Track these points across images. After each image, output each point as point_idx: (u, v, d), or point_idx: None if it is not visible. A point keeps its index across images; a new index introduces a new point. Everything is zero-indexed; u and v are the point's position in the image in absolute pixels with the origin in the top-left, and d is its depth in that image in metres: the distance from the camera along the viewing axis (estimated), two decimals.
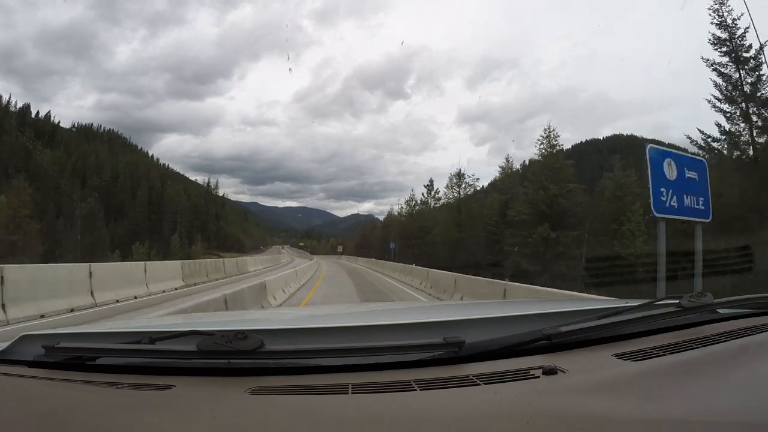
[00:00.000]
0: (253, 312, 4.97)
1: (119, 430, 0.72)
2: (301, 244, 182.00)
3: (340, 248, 76.96)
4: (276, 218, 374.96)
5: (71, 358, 0.97)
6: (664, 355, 0.96)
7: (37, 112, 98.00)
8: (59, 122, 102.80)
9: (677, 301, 1.16)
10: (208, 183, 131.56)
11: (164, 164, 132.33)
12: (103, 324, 2.95)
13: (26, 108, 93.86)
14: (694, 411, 0.73)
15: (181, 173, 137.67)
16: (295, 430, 0.71)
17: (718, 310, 1.23)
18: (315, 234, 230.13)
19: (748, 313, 1.28)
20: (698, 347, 1.02)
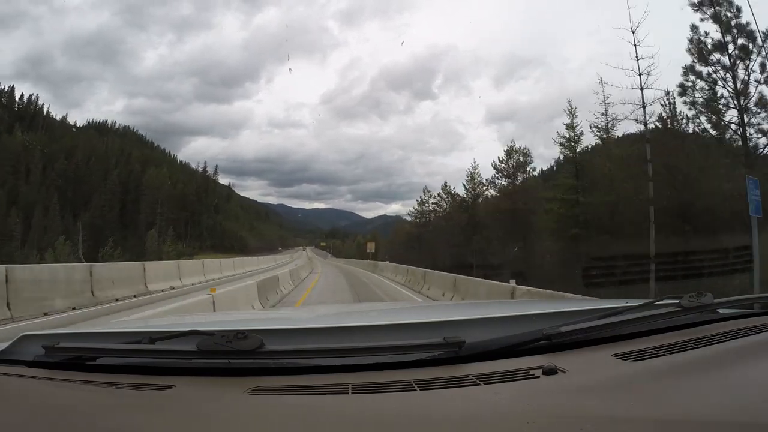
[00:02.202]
0: (253, 312, 4.97)
1: (119, 430, 0.72)
2: (322, 244, 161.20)
3: (371, 247, 44.04)
4: (303, 219, 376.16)
5: (71, 358, 0.97)
6: (664, 355, 0.96)
7: (21, 95, 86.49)
8: (43, 105, 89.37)
9: (677, 301, 1.16)
10: (205, 168, 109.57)
11: (182, 161, 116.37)
12: (103, 324, 2.96)
13: (9, 90, 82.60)
14: (694, 411, 0.73)
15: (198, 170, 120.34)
16: (295, 430, 0.71)
17: (718, 310, 1.23)
18: (339, 233, 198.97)
19: (748, 313, 1.28)
20: (698, 347, 1.01)
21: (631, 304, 1.23)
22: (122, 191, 77.52)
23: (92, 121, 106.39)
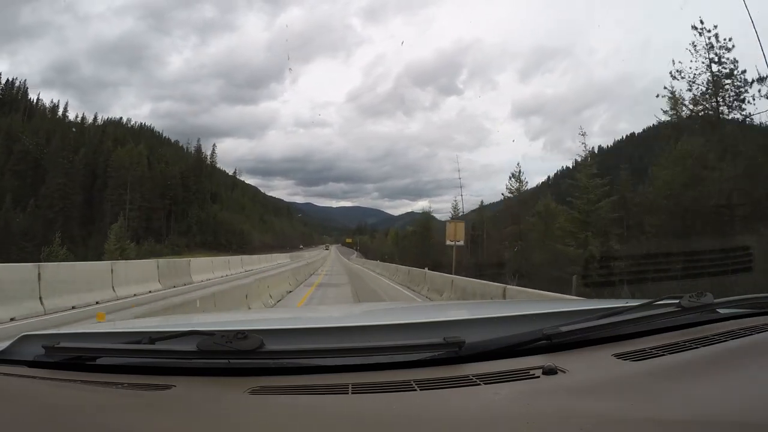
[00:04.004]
0: (253, 312, 4.97)
1: (119, 430, 0.72)
2: (348, 240, 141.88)
3: (456, 235, 16.44)
4: (330, 218, 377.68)
5: (71, 358, 0.97)
6: (664, 355, 0.96)
7: (8, 80, 73.53)
8: (27, 90, 73.84)
9: (677, 301, 1.16)
10: (198, 148, 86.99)
11: (169, 138, 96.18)
12: (103, 324, 2.96)
13: None
14: (694, 411, 0.73)
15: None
16: (295, 430, 0.71)
17: (718, 310, 1.23)
18: (367, 230, 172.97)
19: (748, 313, 1.28)
20: (698, 347, 1.01)
21: (631, 304, 1.23)
22: (88, 175, 59.24)
23: (108, 119, 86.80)
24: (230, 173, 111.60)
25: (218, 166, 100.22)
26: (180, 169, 75.27)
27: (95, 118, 79.03)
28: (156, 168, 68.31)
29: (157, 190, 66.80)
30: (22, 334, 1.07)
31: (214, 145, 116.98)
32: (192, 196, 76.18)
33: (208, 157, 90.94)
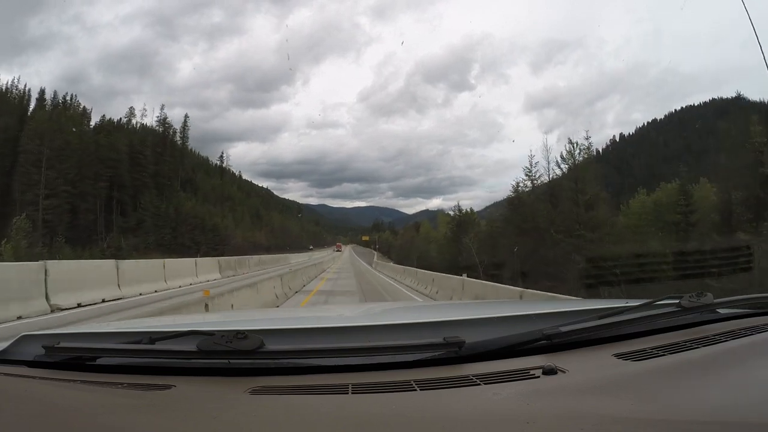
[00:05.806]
0: (254, 312, 4.97)
1: (119, 430, 0.72)
2: (365, 238, 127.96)
3: None
4: (344, 218, 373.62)
5: (71, 358, 0.97)
6: (664, 355, 0.97)
7: None
8: None
9: (677, 301, 1.16)
10: (163, 120, 58.91)
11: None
12: (103, 324, 2.96)
13: None
14: (694, 411, 0.73)
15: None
16: (295, 430, 0.71)
17: (718, 310, 1.23)
18: (384, 227, 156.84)
19: (748, 313, 1.28)
20: (698, 347, 1.02)
21: (631, 304, 1.23)
22: (8, 153, 40.79)
23: (110, 119, 61.12)
24: (234, 170, 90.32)
25: (193, 149, 70.94)
26: (128, 141, 50.80)
27: (55, 96, 51.57)
28: (89, 138, 45.92)
29: (90, 169, 44.50)
30: (22, 334, 1.07)
31: (186, 115, 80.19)
32: (148, 180, 52.71)
33: (178, 133, 62.34)
